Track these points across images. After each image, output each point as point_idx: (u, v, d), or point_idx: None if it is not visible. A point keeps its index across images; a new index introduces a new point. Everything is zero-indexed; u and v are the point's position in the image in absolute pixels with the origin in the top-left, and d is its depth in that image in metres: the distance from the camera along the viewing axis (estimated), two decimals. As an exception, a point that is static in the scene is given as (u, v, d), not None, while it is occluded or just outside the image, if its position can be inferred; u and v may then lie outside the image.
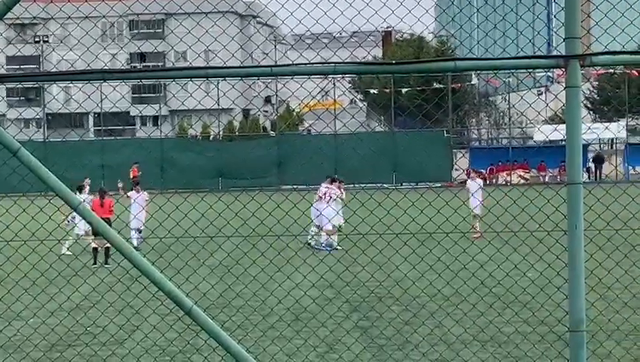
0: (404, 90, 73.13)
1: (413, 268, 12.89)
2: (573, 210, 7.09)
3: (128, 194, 29.92)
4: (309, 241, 25.50)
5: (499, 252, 12.38)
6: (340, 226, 25.88)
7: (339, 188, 27.58)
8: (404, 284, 15.46)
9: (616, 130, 71.26)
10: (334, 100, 69.61)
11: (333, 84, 62.96)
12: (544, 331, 12.78)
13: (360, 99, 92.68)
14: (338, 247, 24.22)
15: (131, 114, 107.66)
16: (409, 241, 11.79)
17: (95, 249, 24.31)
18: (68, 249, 25.10)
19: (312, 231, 25.90)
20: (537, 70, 8.97)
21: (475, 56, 8.06)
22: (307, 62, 7.54)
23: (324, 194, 26.91)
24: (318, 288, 14.42)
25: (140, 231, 27.17)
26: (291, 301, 14.42)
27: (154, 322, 12.74)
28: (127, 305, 15.32)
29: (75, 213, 9.93)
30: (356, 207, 11.62)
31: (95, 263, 23.76)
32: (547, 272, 13.68)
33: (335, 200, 26.48)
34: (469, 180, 30.81)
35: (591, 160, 74.49)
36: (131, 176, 64.85)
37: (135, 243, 25.82)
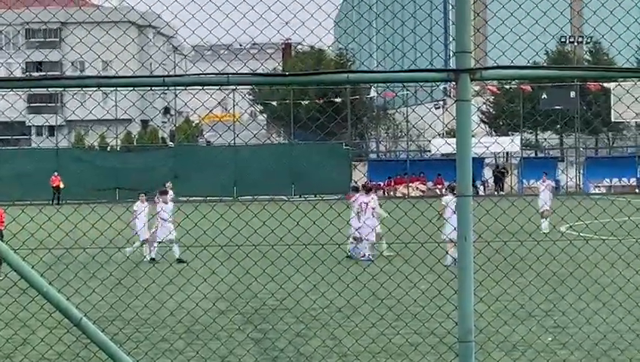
0: (304, 103, 73.44)
1: (306, 279, 12.95)
2: (462, 222, 7.17)
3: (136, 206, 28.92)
4: (350, 253, 25.23)
5: (390, 264, 12.52)
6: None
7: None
8: (296, 296, 15.51)
9: (508, 143, 72.46)
10: (234, 112, 69.53)
11: (232, 96, 62.85)
12: (434, 341, 12.94)
13: (260, 111, 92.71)
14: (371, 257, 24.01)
15: (27, 124, 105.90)
16: (301, 253, 11.86)
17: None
18: None
19: (351, 242, 25.48)
20: (432, 84, 9.11)
21: (367, 69, 8.09)
22: (201, 72, 7.53)
23: (366, 204, 26.36)
24: (210, 300, 14.38)
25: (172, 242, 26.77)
26: (183, 313, 14.36)
27: (42, 335, 12.56)
28: (15, 317, 15.07)
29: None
30: (248, 218, 11.62)
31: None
32: (438, 283, 13.86)
33: (374, 209, 25.95)
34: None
35: (492, 173, 75.93)
36: (53, 186, 64.14)
37: (177, 254, 25.52)
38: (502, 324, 13.45)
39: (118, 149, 76.76)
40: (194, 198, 51.14)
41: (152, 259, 25.31)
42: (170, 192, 32.13)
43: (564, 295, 14.40)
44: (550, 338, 13.97)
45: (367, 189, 27.65)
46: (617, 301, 15.08)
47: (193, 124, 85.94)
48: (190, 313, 13.74)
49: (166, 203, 27.53)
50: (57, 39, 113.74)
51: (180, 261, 24.24)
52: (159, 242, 26.42)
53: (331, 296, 14.03)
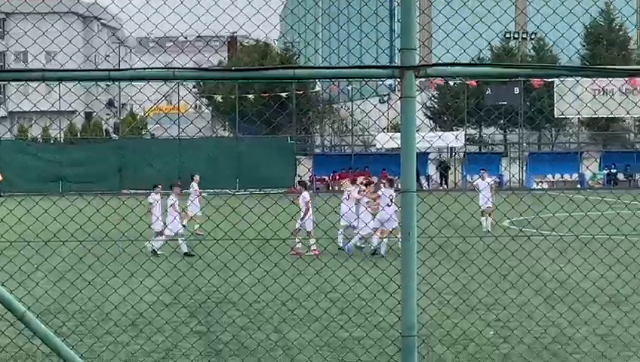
0: (249, 97, 73.32)
1: (250, 273, 12.99)
2: (406, 218, 7.22)
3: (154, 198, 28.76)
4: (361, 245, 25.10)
5: (334, 258, 12.59)
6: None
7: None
8: (241, 290, 15.56)
9: (452, 139, 72.84)
10: (178, 106, 69.26)
11: (177, 89, 62.61)
12: (377, 336, 13.05)
13: (205, 105, 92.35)
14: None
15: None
16: (246, 247, 11.90)
17: None
18: None
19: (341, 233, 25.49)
20: (378, 80, 9.17)
21: (313, 65, 8.16)
22: (146, 66, 7.54)
23: (389, 196, 26.38)
24: (154, 293, 14.36)
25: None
26: (127, 306, 14.33)
27: (-16, 328, 12.47)
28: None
29: None
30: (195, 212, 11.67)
31: None
32: (381, 278, 13.99)
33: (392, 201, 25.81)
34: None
35: (436, 168, 76.46)
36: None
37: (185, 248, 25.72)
38: (444, 319, 13.60)
39: (62, 142, 76.05)
40: (138, 192, 50.81)
41: (154, 252, 25.40)
42: (195, 185, 32.75)
43: (505, 290, 14.59)
44: (492, 333, 14.14)
45: (367, 183, 27.97)
46: (558, 296, 15.30)
47: (138, 117, 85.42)
48: (134, 306, 13.72)
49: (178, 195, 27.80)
50: (1, 30, 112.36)
51: (187, 254, 24.45)
52: (175, 234, 26.61)
53: (276, 290, 14.08)
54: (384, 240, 24.35)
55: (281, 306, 14.69)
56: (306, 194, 26.60)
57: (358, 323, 14.06)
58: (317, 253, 24.43)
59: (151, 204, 27.51)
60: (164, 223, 26.92)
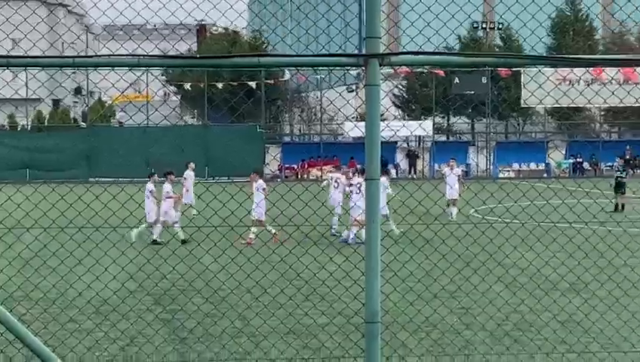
0: (218, 85, 73.13)
1: (215, 260, 13.02)
2: (370, 206, 7.29)
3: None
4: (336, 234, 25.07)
5: (299, 245, 12.63)
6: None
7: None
8: (206, 276, 15.60)
9: (415, 128, 72.70)
10: (146, 93, 68.98)
11: (145, 77, 62.35)
12: (342, 322, 13.15)
13: (174, 93, 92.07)
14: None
15: None
16: (211, 234, 11.93)
17: None
18: None
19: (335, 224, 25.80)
20: (344, 69, 9.17)
21: (278, 53, 8.17)
22: (111, 53, 7.54)
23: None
24: (119, 280, 14.38)
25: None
26: (92, 293, 14.33)
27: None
28: None
29: None
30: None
31: None
32: (346, 265, 14.04)
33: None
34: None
35: (404, 156, 76.63)
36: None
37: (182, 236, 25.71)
38: (407, 305, 13.71)
39: (29, 129, 75.57)
40: (105, 180, 50.64)
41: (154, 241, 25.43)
42: (191, 173, 32.82)
43: (468, 276, 14.71)
44: (455, 319, 14.27)
45: (362, 171, 28.10)
46: (519, 283, 15.45)
47: (106, 105, 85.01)
48: (99, 294, 13.72)
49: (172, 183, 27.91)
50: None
51: (184, 241, 24.55)
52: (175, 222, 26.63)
53: (240, 277, 14.12)
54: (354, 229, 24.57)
55: (245, 293, 14.73)
56: (261, 182, 26.76)
57: (322, 310, 14.15)
58: (251, 242, 24.54)
59: (152, 192, 27.49)
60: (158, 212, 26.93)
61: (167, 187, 27.29)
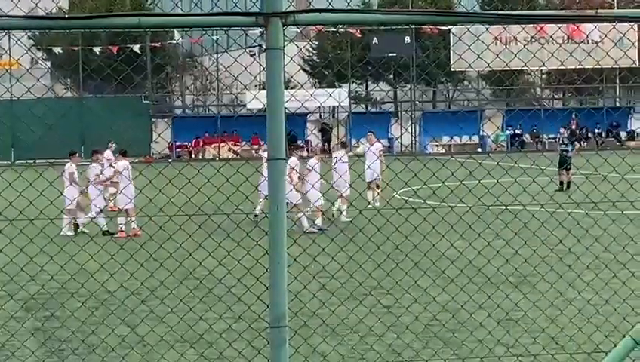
0: (95, 49, 72.38)
1: (92, 258, 12.90)
2: (274, 190, 7.24)
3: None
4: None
5: (191, 238, 12.52)
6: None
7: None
8: (82, 277, 15.45)
9: (326, 98, 72.57)
10: (9, 60, 67.95)
11: (8, 41, 61.42)
12: (242, 327, 13.13)
13: (43, 59, 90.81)
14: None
15: None
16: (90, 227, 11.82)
17: None
18: None
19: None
20: (242, 29, 9.10)
21: (162, 12, 8.08)
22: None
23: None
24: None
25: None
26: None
27: None
28: None
29: None
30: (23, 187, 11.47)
31: None
32: (246, 261, 14.03)
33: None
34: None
35: (317, 130, 76.67)
36: None
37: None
38: (320, 306, 13.76)
39: None
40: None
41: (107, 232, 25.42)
42: (109, 152, 32.56)
43: (389, 271, 14.78)
44: (375, 321, 14.35)
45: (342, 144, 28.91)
46: (449, 276, 15.61)
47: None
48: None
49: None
50: None
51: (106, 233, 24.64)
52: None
53: (122, 276, 14.03)
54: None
55: (129, 296, 14.65)
56: (122, 164, 27.09)
57: (220, 313, 14.13)
58: (123, 235, 25.22)
59: (73, 174, 27.50)
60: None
61: (96, 169, 27.56)
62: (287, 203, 7.83)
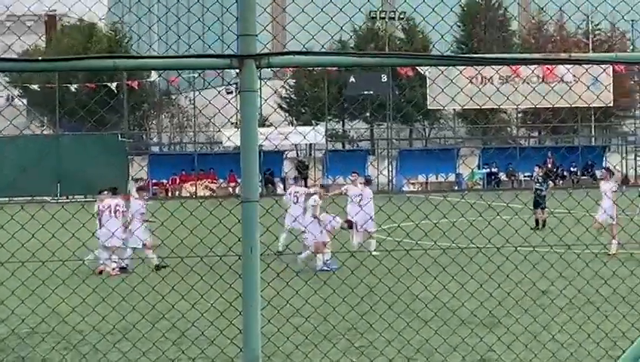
0: (72, 87, 72.32)
1: (63, 301, 12.82)
2: (248, 232, 7.18)
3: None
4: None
5: (164, 281, 12.45)
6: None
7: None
8: (54, 320, 15.34)
9: (307, 133, 72.48)
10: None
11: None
12: (215, 371, 13.04)
13: (18, 96, 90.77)
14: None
15: None
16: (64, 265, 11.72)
17: None
18: None
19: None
20: (216, 70, 9.05)
21: (137, 54, 8.04)
22: None
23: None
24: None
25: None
26: None
27: None
28: None
29: None
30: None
31: None
32: (219, 304, 13.95)
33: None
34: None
35: (294, 168, 76.69)
36: None
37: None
38: (293, 349, 13.66)
39: None
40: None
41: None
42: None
43: (363, 313, 14.73)
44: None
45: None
46: (422, 319, 15.51)
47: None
48: None
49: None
50: None
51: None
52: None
53: (95, 319, 13.90)
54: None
55: (101, 338, 14.52)
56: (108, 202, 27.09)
57: (192, 356, 14.01)
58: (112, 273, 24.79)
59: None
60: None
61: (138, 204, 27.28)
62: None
